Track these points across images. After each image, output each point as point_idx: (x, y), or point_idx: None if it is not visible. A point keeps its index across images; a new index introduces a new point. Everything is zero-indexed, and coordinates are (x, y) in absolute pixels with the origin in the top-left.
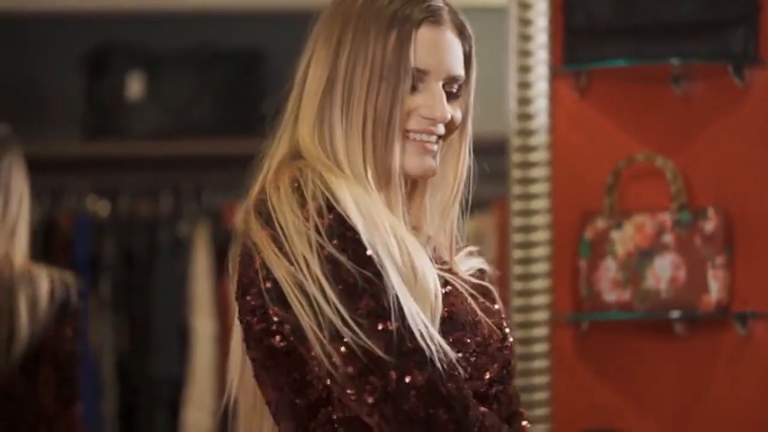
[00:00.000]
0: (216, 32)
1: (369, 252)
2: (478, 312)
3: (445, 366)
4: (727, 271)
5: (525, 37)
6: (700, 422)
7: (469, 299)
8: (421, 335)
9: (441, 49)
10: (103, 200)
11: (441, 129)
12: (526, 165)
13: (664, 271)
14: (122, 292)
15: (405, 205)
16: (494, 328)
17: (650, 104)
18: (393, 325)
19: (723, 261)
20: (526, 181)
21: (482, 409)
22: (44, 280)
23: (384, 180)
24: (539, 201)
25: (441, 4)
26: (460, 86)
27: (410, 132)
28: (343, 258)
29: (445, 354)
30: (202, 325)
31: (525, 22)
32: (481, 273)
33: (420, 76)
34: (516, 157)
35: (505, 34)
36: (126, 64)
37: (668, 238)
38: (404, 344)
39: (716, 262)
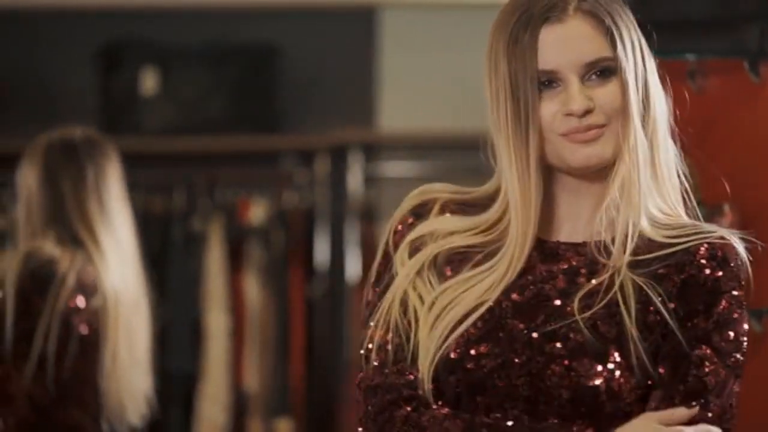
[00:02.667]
0: (229, 28)
1: None
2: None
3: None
4: None
5: None
6: None
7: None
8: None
9: (564, 43)
10: None
11: (592, 118)
12: None
13: None
14: None
15: (558, 199)
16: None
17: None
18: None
19: None
20: None
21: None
22: None
23: (528, 176)
24: None
25: None
26: (609, 66)
27: (564, 134)
28: None
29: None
30: (216, 321)
31: None
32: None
33: (553, 76)
34: None
35: None
36: (139, 60)
37: None
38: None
39: None
